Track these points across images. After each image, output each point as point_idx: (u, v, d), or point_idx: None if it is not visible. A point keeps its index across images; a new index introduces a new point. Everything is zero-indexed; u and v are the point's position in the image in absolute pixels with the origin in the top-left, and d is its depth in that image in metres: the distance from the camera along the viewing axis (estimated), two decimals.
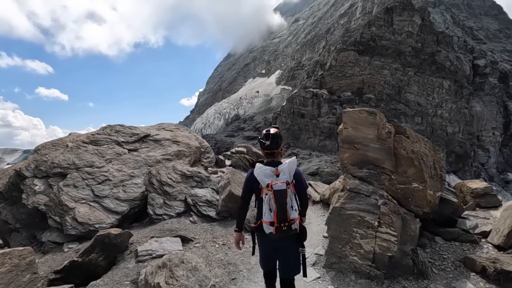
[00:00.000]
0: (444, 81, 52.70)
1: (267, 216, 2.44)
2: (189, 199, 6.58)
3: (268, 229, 2.46)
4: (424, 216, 4.89)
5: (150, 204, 6.23)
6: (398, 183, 4.64)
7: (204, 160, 8.47)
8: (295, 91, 55.11)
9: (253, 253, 2.78)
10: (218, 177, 9.42)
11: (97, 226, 5.59)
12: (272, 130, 2.74)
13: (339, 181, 6.58)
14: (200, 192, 6.78)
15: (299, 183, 2.62)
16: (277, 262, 2.80)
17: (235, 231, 2.85)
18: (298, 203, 2.59)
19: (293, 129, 49.04)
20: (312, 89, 50.52)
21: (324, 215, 7.00)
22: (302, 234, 2.63)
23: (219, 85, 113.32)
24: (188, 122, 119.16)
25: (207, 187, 7.11)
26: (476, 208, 6.58)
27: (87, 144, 7.11)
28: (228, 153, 14.50)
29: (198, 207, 6.39)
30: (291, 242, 2.60)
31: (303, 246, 2.66)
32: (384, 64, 51.08)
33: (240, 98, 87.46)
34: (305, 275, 2.64)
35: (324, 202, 7.58)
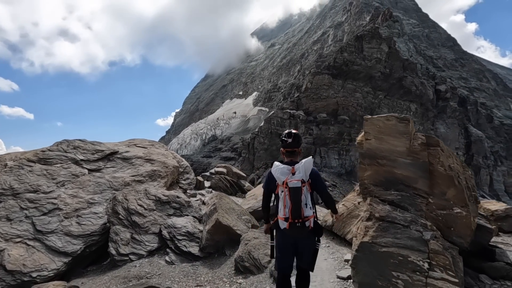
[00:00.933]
0: (411, 104, 55.20)
1: (282, 212, 2.49)
2: (164, 232, 5.13)
3: (282, 224, 2.51)
4: (464, 249, 3.88)
5: (112, 240, 4.71)
6: (437, 208, 3.61)
7: (183, 182, 7.04)
8: (273, 112, 55.13)
9: (271, 256, 2.78)
10: (197, 200, 8.02)
11: (34, 275, 3.99)
12: (294, 131, 2.81)
13: (343, 205, 5.46)
14: (179, 221, 5.35)
15: (316, 182, 2.65)
16: (295, 258, 2.78)
17: (265, 223, 2.92)
18: (314, 201, 2.61)
19: (271, 149, 48.39)
20: (289, 110, 50.71)
21: (328, 246, 5.78)
22: (317, 229, 2.67)
23: (196, 106, 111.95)
24: (163, 142, 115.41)
25: (187, 215, 5.70)
26: (500, 233, 5.72)
27: (34, 163, 5.52)
28: (207, 173, 13.10)
29: (176, 241, 4.95)
30: (308, 236, 2.61)
31: (319, 241, 2.71)
32: (357, 88, 52.77)
33: (218, 118, 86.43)
34: (312, 269, 2.69)
35: (327, 229, 6.40)
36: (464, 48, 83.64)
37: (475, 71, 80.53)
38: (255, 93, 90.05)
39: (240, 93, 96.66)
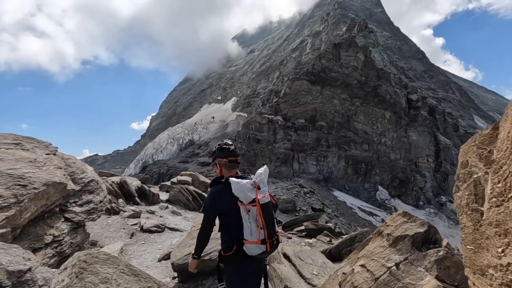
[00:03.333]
0: (385, 112, 55.90)
1: (256, 235, 2.10)
2: None
3: (258, 249, 2.12)
4: None
5: None
6: None
7: (77, 209, 3.82)
8: (251, 116, 53.68)
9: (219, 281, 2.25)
10: (134, 225, 6.05)
11: None
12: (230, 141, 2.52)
13: (362, 266, 3.55)
14: None
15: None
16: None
17: (194, 258, 2.31)
18: None
19: (249, 155, 46.76)
20: (267, 115, 49.49)
21: None
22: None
23: (174, 110, 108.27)
24: (138, 147, 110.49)
25: None
26: None
27: None
28: (168, 183, 11.19)
29: None
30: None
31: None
32: (334, 94, 52.66)
33: (195, 123, 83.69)
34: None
35: None
36: (432, 61, 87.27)
37: (442, 82, 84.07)
38: (234, 98, 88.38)
39: (219, 98, 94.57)
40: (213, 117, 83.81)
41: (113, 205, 7.67)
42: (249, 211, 2.12)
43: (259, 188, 2.17)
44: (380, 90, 55.60)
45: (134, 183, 10.36)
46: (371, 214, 43.12)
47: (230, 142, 2.46)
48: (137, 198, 9.14)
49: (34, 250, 2.73)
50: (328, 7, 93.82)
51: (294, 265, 3.16)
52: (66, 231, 3.04)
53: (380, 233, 2.51)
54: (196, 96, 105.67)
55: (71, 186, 3.24)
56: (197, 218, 7.05)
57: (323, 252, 4.56)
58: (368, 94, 55.14)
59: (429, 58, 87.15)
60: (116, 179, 9.48)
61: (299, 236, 16.22)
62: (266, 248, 2.11)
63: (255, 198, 2.10)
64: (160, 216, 7.80)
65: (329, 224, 16.03)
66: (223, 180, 2.27)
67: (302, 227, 17.07)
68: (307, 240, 6.49)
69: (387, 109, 56.18)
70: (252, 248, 2.10)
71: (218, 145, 2.46)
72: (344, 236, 7.29)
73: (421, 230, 2.12)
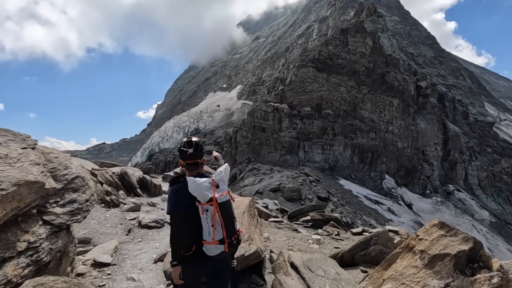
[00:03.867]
0: (393, 99, 54.57)
1: (213, 235, 2.04)
2: None
3: (216, 249, 2.06)
4: None
5: None
6: None
7: (58, 210, 3.05)
8: (256, 105, 52.95)
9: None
10: (133, 219, 5.74)
11: None
12: (195, 139, 2.36)
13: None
14: None
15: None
16: None
17: (174, 265, 2.13)
18: None
19: (254, 143, 46.34)
20: (273, 103, 48.70)
21: None
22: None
23: (179, 98, 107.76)
24: (144, 135, 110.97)
25: None
26: None
27: None
28: (171, 173, 10.86)
29: None
30: (232, 255, 2.35)
31: (233, 257, 2.43)
32: (341, 82, 51.41)
33: (201, 111, 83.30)
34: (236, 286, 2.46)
35: None
36: (443, 46, 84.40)
37: (452, 69, 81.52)
38: (239, 86, 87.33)
39: (224, 86, 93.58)
40: (218, 105, 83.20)
41: (113, 197, 7.38)
42: (206, 210, 2.05)
43: (218, 186, 2.12)
44: (388, 77, 54.10)
45: (136, 173, 10.07)
46: (377, 202, 42.75)
47: (190, 143, 2.28)
48: (138, 190, 8.83)
49: (4, 260, 2.37)
50: None
51: (303, 278, 2.78)
52: (44, 236, 2.67)
53: (410, 249, 2.06)
54: (201, 84, 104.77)
55: (50, 184, 2.84)
56: None
57: (335, 256, 4.18)
58: (375, 81, 53.73)
59: (439, 44, 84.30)
60: (117, 169, 9.18)
61: (305, 227, 15.98)
62: (225, 248, 2.06)
63: (212, 197, 2.04)
64: (162, 209, 7.49)
65: (335, 214, 15.70)
66: (182, 179, 2.20)
67: (308, 217, 16.80)
68: (314, 236, 6.11)
69: (395, 96, 54.80)
70: (211, 248, 2.06)
71: (179, 145, 2.33)
72: (357, 238, 6.90)
73: (465, 247, 1.68)
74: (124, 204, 7.35)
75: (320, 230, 14.14)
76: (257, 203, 20.24)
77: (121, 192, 8.17)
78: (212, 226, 2.02)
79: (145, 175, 9.62)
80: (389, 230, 8.00)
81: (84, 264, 3.66)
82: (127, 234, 5.03)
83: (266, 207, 16.18)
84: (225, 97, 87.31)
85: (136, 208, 6.79)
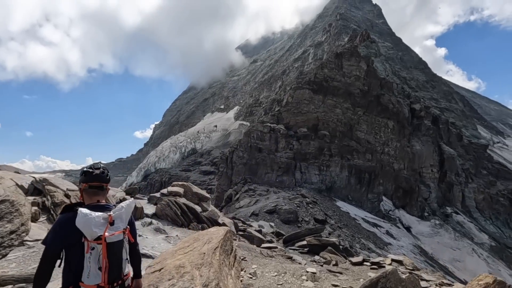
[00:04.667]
0: (388, 121, 54.75)
1: (93, 278, 1.78)
2: None
3: None
4: None
5: None
6: None
7: None
8: (252, 125, 52.75)
9: None
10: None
11: None
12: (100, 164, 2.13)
13: None
14: None
15: (134, 229, 2.08)
16: None
17: None
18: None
19: (250, 163, 45.56)
20: (269, 124, 48.50)
21: None
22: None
23: (177, 118, 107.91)
24: (141, 155, 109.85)
25: None
26: None
27: None
28: (157, 194, 10.05)
29: None
30: None
31: None
32: (336, 103, 51.68)
33: (198, 132, 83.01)
34: None
35: None
36: (435, 71, 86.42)
37: (444, 92, 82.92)
38: (236, 107, 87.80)
39: (222, 107, 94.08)
40: (215, 126, 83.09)
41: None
42: (93, 248, 1.80)
43: (112, 223, 1.86)
44: (383, 99, 54.59)
45: (117, 195, 9.24)
46: (375, 225, 41.50)
47: (98, 166, 2.07)
48: None
49: None
50: (330, 18, 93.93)
51: None
52: None
53: None
54: (199, 105, 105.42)
55: None
56: (182, 239, 5.89)
57: None
58: (370, 103, 54.11)
59: (431, 68, 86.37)
60: None
61: (301, 253, 14.87)
62: None
63: (101, 236, 1.79)
64: (139, 235, 6.65)
65: (332, 239, 14.72)
66: (76, 208, 1.90)
67: (304, 242, 15.73)
68: (310, 269, 5.25)
69: (390, 118, 55.04)
70: None
71: (83, 169, 2.08)
72: (357, 268, 6.08)
73: None
74: None
75: (317, 257, 13.11)
76: (251, 226, 19.18)
77: None
78: (98, 268, 1.78)
79: (126, 197, 8.81)
80: (392, 260, 7.17)
81: None
82: None
83: (260, 232, 15.16)
84: (222, 117, 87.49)
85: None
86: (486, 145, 70.55)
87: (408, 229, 45.60)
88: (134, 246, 2.11)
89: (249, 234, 10.88)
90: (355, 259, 7.37)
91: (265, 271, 4.89)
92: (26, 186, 9.05)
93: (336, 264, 7.48)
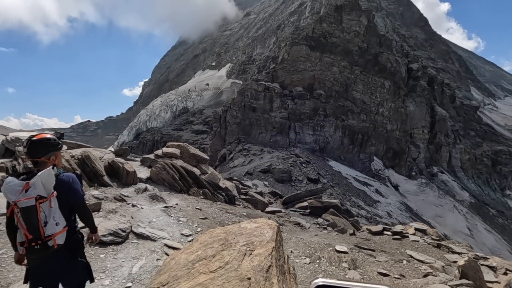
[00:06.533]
0: (385, 81, 53.13)
1: (19, 236, 2.07)
2: None
3: (20, 250, 2.11)
4: None
5: None
6: None
7: None
8: (247, 83, 50.34)
9: (24, 281, 2.23)
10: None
11: None
12: (40, 136, 2.23)
13: None
14: None
15: (67, 195, 2.21)
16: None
17: (14, 250, 2.27)
18: (64, 216, 2.17)
19: (244, 123, 44.28)
20: (264, 82, 46.26)
21: None
22: (71, 247, 2.22)
23: (166, 76, 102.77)
24: (131, 113, 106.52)
25: None
26: None
27: None
28: (151, 156, 8.87)
29: None
30: (61, 258, 2.18)
31: (82, 256, 2.28)
32: (334, 62, 49.22)
33: (189, 90, 79.62)
34: (92, 280, 2.39)
35: None
36: (435, 28, 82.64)
37: (442, 52, 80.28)
38: (228, 65, 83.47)
39: (213, 64, 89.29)
40: (207, 84, 79.62)
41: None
42: (17, 212, 2.04)
43: (27, 190, 2.04)
44: (381, 58, 52.25)
45: (105, 156, 8.02)
46: (365, 184, 42.35)
47: (27, 141, 2.18)
48: (106, 178, 6.86)
49: None
50: None
51: None
52: None
53: None
54: (189, 62, 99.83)
55: None
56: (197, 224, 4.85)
57: None
58: (368, 62, 51.82)
59: (431, 26, 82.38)
60: (77, 152, 7.13)
61: (303, 215, 14.48)
62: (23, 251, 2.07)
63: (14, 201, 2.03)
64: (133, 205, 5.60)
65: (334, 201, 14.35)
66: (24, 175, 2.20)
67: (305, 204, 15.33)
68: (339, 248, 4.38)
69: (387, 78, 53.34)
70: (18, 248, 2.11)
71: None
72: (378, 238, 5.27)
73: None
74: None
75: (320, 219, 12.65)
76: (250, 187, 18.60)
77: None
78: (20, 228, 2.04)
79: (116, 159, 7.61)
80: (416, 229, 6.51)
81: None
82: None
83: (261, 194, 14.53)
84: (214, 75, 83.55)
85: (95, 207, 4.88)
86: (477, 107, 70.66)
87: (396, 187, 46.95)
88: (77, 208, 2.27)
89: (252, 198, 10.09)
90: (374, 228, 6.66)
91: (294, 254, 3.99)
92: None
93: (353, 234, 6.78)
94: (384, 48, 54.23)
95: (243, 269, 1.37)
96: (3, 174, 5.60)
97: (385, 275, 3.39)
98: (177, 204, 6.05)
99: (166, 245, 3.74)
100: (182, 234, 4.20)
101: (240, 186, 12.75)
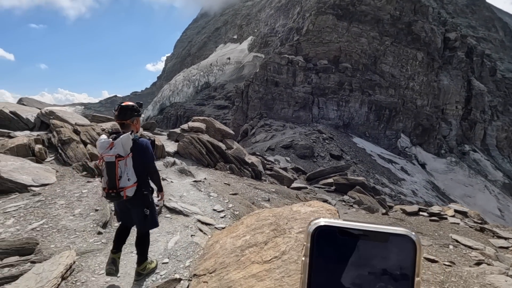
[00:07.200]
0: (418, 53, 49.27)
1: (102, 182, 2.59)
2: None
3: (102, 193, 2.62)
4: None
5: None
6: None
7: None
8: (269, 57, 48.70)
9: (116, 215, 3.04)
10: None
11: None
12: (126, 103, 2.74)
13: None
14: None
15: (139, 156, 2.60)
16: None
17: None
18: (136, 174, 2.58)
19: (266, 98, 43.45)
20: (287, 55, 44.48)
21: None
22: (138, 199, 2.66)
23: (188, 50, 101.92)
24: (155, 88, 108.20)
25: None
26: None
27: None
28: (177, 130, 8.81)
29: None
30: (133, 204, 2.69)
31: (147, 207, 2.71)
32: (362, 32, 45.96)
33: (211, 64, 78.75)
34: (143, 229, 2.81)
35: None
36: None
37: (485, 19, 72.30)
38: (250, 38, 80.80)
39: (235, 37, 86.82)
40: (228, 58, 78.15)
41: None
42: (101, 164, 2.55)
43: (111, 148, 2.47)
44: (415, 27, 48.05)
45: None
46: (390, 161, 41.00)
47: (118, 107, 2.69)
48: None
49: None
50: None
51: None
52: None
53: None
54: (211, 35, 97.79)
55: None
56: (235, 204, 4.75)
57: None
58: (400, 31, 47.89)
59: None
60: (107, 125, 7.19)
61: (328, 191, 14.24)
62: (103, 194, 2.56)
63: (101, 154, 2.52)
64: (163, 179, 5.59)
65: (360, 178, 13.90)
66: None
67: (330, 180, 15.01)
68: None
69: (420, 49, 49.38)
70: (101, 191, 2.65)
71: None
72: (414, 219, 4.93)
73: None
74: None
75: (346, 197, 12.35)
76: (273, 162, 18.49)
77: None
78: (102, 175, 2.55)
79: (144, 133, 7.62)
80: (456, 211, 6.06)
81: None
82: (99, 233, 3.20)
83: (286, 170, 14.35)
84: (235, 49, 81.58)
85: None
86: None
87: (423, 165, 45.10)
88: (146, 168, 2.68)
89: (278, 174, 9.92)
90: (409, 208, 6.28)
91: None
92: (32, 119, 7.93)
93: (386, 213, 6.46)
94: (419, 16, 49.65)
95: None
96: (40, 146, 5.74)
97: (433, 261, 3.09)
98: (205, 178, 5.98)
99: (199, 220, 3.66)
100: (214, 210, 4.11)
101: (265, 161, 12.61)
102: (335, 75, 43.68)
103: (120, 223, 2.94)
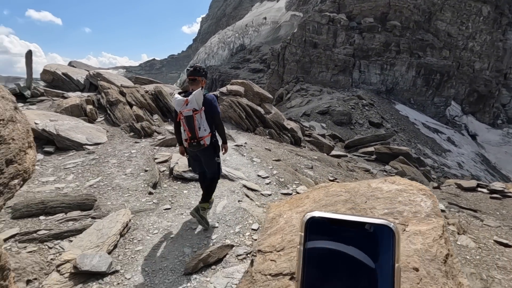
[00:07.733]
0: (484, 6, 42.27)
1: (184, 135, 2.92)
2: None
3: (185, 144, 2.99)
4: None
5: None
6: None
7: None
8: (308, 15, 45.13)
9: (188, 165, 3.42)
10: (168, 149, 3.99)
11: None
12: (198, 65, 3.13)
13: None
14: None
15: (209, 109, 2.94)
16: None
17: (179, 145, 3.20)
18: (209, 125, 2.94)
19: (304, 61, 41.19)
20: (328, 13, 40.79)
21: None
22: (213, 147, 3.07)
23: (223, 10, 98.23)
24: (191, 51, 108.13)
25: None
26: None
27: None
28: (216, 93, 8.63)
29: None
30: (206, 153, 3.04)
31: (218, 156, 3.16)
32: None
33: (246, 25, 75.61)
34: (214, 176, 3.20)
35: None
36: None
37: None
38: None
39: None
40: (264, 18, 74.14)
41: (144, 124, 5.58)
42: (182, 118, 2.85)
43: (187, 105, 2.82)
44: None
45: (175, 93, 8.03)
46: (436, 131, 37.89)
47: (192, 66, 3.08)
48: None
49: None
50: None
51: None
52: None
53: None
54: None
55: None
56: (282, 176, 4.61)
57: None
58: None
59: None
60: (150, 87, 7.24)
61: (368, 160, 13.60)
62: (186, 145, 2.95)
63: (180, 111, 2.85)
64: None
65: (404, 148, 12.95)
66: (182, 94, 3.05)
67: (371, 149, 14.25)
68: (443, 205, 3.73)
69: (487, 2, 42.22)
70: (184, 143, 2.99)
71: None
72: (472, 197, 4.40)
73: None
74: (158, 133, 5.54)
75: (387, 167, 11.70)
76: (310, 128, 17.93)
77: (155, 116, 6.33)
78: (184, 130, 2.87)
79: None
80: (494, 190, 5.33)
81: (59, 272, 1.90)
82: (150, 193, 3.26)
83: (324, 136, 13.83)
84: (272, 8, 76.75)
85: (171, 142, 4.93)
86: None
87: (473, 136, 41.13)
88: (214, 120, 3.02)
89: (317, 141, 9.53)
90: (465, 183, 5.67)
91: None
92: (82, 81, 8.26)
93: (437, 187, 5.91)
94: None
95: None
96: (90, 106, 6.01)
97: (506, 245, 2.71)
98: (246, 143, 5.87)
99: (245, 186, 3.60)
100: (259, 176, 4.00)
101: (303, 127, 12.21)
102: (381, 34, 39.52)
103: (199, 172, 3.35)
